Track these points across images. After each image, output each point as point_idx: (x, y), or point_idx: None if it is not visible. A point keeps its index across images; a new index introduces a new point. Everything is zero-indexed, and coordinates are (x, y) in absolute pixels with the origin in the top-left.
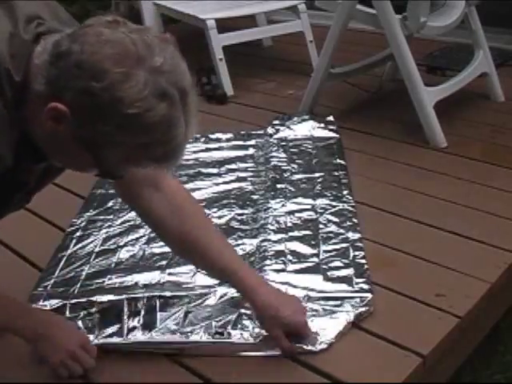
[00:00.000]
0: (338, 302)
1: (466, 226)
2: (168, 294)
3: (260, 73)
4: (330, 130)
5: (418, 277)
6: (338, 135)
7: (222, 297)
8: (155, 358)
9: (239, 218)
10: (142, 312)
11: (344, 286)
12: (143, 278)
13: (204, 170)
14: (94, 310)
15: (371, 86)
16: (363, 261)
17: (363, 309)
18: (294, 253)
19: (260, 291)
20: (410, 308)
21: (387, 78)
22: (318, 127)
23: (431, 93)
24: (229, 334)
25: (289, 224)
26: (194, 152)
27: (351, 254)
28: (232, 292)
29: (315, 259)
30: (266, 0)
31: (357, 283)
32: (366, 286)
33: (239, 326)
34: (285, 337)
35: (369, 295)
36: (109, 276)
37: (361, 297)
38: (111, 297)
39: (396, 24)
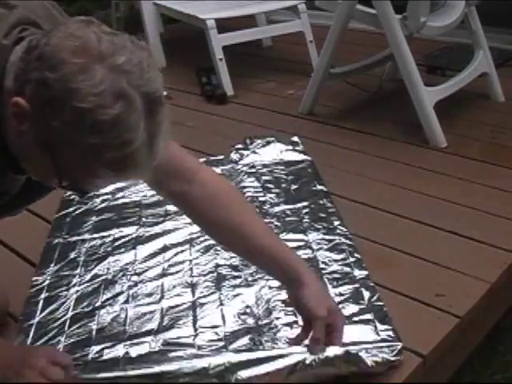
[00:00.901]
0: (369, 353)
1: (466, 226)
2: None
3: (260, 73)
4: (300, 152)
5: (418, 277)
6: (309, 157)
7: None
8: None
9: (228, 262)
10: None
11: (370, 336)
12: (133, 347)
13: (173, 208)
14: None
15: (371, 86)
16: (380, 303)
17: (395, 358)
18: None
19: (310, 277)
20: (409, 308)
21: (387, 78)
22: (287, 150)
23: (431, 93)
24: None
25: None
26: None
27: (365, 296)
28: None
29: None
30: (265, 0)
31: (382, 330)
32: (393, 334)
33: None
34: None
35: (399, 344)
36: (92, 347)
37: (390, 346)
38: (102, 375)
39: (396, 24)
